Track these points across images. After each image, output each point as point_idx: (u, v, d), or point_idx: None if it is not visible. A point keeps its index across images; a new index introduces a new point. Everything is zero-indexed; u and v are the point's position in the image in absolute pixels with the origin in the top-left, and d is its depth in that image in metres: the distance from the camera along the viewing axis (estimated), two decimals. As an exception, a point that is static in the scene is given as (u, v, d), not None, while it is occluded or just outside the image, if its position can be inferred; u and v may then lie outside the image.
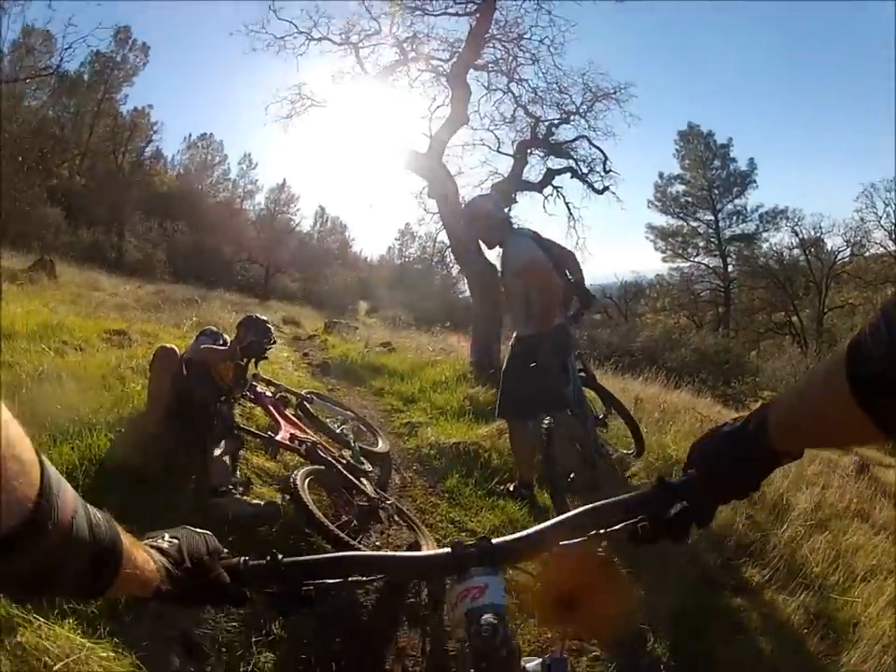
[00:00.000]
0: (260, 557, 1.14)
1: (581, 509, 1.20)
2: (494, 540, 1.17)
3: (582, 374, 5.96)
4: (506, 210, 5.81)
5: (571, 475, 5.09)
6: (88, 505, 0.85)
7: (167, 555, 1.03)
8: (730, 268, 43.86)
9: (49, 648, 2.53)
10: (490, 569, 1.15)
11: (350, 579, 1.17)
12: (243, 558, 1.15)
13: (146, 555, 0.98)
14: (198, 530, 1.14)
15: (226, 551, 1.16)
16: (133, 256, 36.22)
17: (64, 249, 27.75)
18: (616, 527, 1.17)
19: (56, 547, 0.76)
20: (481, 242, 6.09)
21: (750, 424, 1.12)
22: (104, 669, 2.64)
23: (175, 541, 1.07)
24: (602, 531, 1.17)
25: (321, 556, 1.20)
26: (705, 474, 1.16)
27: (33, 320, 8.02)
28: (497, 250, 5.70)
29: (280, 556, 1.13)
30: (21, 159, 12.78)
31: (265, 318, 5.76)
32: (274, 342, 5.80)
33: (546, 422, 4.91)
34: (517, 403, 5.36)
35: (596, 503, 1.20)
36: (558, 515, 1.22)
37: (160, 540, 1.06)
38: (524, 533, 1.19)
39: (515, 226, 5.69)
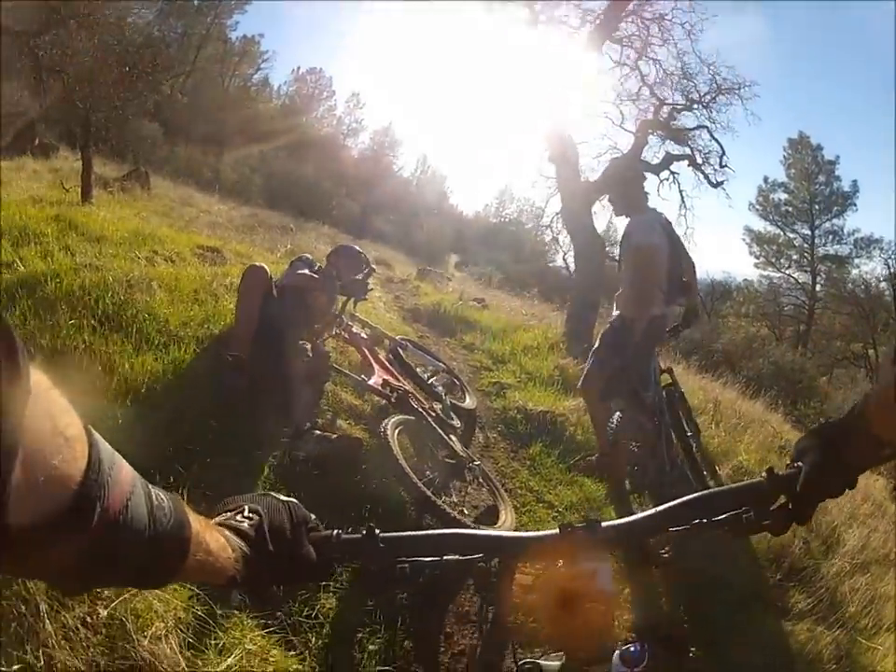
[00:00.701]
0: (343, 523, 1.10)
1: (688, 497, 1.18)
2: (603, 523, 1.14)
3: (670, 386, 5.67)
4: (646, 184, 5.60)
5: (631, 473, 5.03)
6: (149, 484, 0.78)
7: (246, 538, 0.95)
8: (818, 287, 42.91)
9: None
10: (600, 553, 1.12)
11: (446, 557, 1.12)
12: (335, 531, 1.07)
13: (221, 540, 0.91)
14: (281, 497, 1.06)
15: (313, 517, 1.08)
16: (229, 177, 36.59)
17: (160, 163, 28.33)
18: (720, 517, 1.14)
19: (107, 533, 0.68)
20: (610, 204, 5.89)
21: (852, 414, 1.14)
22: (160, 601, 2.59)
23: (255, 518, 0.99)
24: (705, 520, 1.15)
25: (422, 533, 1.18)
26: (809, 467, 1.14)
27: (123, 227, 8.11)
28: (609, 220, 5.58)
29: (377, 531, 1.06)
30: (127, 69, 12.91)
31: (365, 255, 5.73)
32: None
33: (616, 417, 4.77)
34: (599, 380, 5.31)
35: (704, 492, 1.19)
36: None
37: (238, 517, 0.98)
38: (632, 518, 1.18)
39: (651, 206, 5.51)
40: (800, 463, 1.15)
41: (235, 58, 49.69)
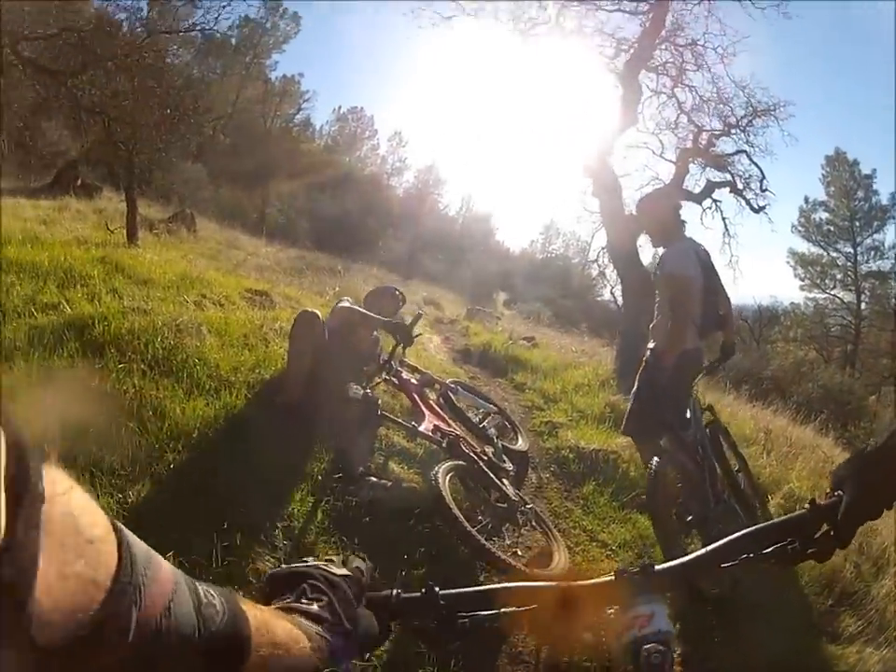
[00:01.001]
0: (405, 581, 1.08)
1: (736, 534, 1.20)
2: (657, 567, 1.17)
3: (713, 423, 5.57)
4: (682, 213, 5.57)
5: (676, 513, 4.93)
6: (195, 581, 0.72)
7: (320, 620, 0.89)
8: (863, 305, 42.61)
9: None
10: (655, 596, 1.14)
11: (505, 609, 1.14)
12: (395, 591, 1.09)
13: (294, 631, 0.84)
14: (334, 570, 1.00)
15: (365, 576, 1.06)
16: (275, 219, 36.92)
17: (204, 204, 28.57)
18: (767, 550, 1.17)
19: (149, 640, 0.62)
20: (647, 236, 5.89)
21: (892, 438, 1.15)
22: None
23: (324, 599, 0.93)
24: (753, 554, 1.17)
25: (481, 588, 1.18)
26: (850, 495, 1.15)
27: (171, 270, 8.24)
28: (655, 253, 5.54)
29: (437, 588, 1.09)
30: (168, 111, 13.18)
31: (402, 293, 6.02)
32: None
33: (655, 459, 4.74)
34: (639, 423, 5.31)
35: (751, 528, 1.21)
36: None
37: (303, 600, 0.92)
38: (686, 559, 1.20)
39: (688, 236, 5.45)
40: (840, 491, 1.17)
41: (276, 98, 50.43)
